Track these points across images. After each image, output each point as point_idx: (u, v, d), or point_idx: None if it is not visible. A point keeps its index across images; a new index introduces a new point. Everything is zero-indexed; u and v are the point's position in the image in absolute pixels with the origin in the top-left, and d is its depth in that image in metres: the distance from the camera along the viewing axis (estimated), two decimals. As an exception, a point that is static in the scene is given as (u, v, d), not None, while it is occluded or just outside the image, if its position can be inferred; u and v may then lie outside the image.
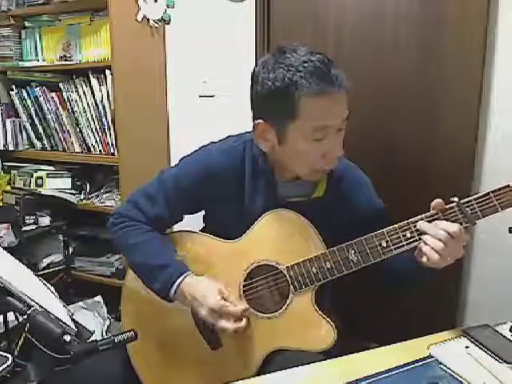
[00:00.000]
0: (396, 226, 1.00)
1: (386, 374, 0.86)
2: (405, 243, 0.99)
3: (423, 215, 0.98)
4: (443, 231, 0.93)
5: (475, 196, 0.95)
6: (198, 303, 1.04)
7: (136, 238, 1.13)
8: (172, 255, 1.12)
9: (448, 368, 0.87)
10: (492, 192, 0.94)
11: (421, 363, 0.90)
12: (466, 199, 0.96)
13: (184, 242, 1.17)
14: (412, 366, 0.89)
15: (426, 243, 0.95)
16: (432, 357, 0.91)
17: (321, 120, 0.97)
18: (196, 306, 1.04)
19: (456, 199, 0.96)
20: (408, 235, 0.98)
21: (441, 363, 0.89)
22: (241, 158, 1.12)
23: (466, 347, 0.92)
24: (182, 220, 1.21)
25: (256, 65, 1.03)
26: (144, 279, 1.12)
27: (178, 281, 1.06)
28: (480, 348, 0.91)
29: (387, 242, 1.00)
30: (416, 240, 0.98)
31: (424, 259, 0.96)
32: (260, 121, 1.03)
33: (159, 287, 1.08)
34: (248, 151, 1.12)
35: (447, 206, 0.97)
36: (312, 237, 1.07)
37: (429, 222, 0.97)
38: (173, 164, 1.21)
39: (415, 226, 0.97)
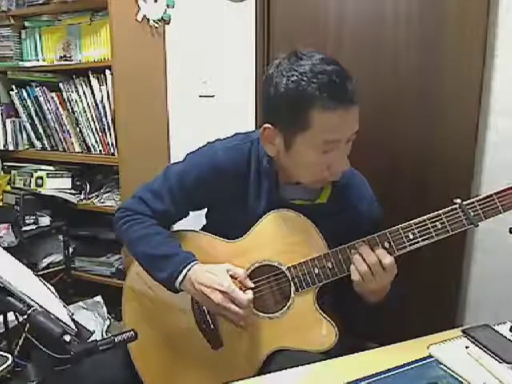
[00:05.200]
0: (398, 227, 1.00)
1: (386, 374, 0.86)
2: (407, 244, 0.99)
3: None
4: (375, 257, 0.98)
5: (478, 198, 0.95)
6: (210, 289, 1.02)
7: (142, 230, 1.13)
8: (178, 246, 1.12)
9: (448, 368, 0.87)
10: (495, 194, 0.94)
11: (421, 363, 0.89)
12: (469, 201, 0.96)
13: (185, 242, 1.16)
14: (412, 365, 0.89)
15: (353, 263, 1.00)
16: (432, 357, 0.91)
17: (332, 134, 0.96)
18: (208, 293, 1.02)
19: (459, 201, 0.96)
20: (411, 236, 0.98)
21: (441, 363, 0.89)
22: (247, 156, 1.12)
23: (466, 347, 0.92)
24: (187, 216, 1.21)
25: (270, 66, 1.02)
26: (150, 270, 1.11)
27: (186, 269, 1.05)
28: (480, 348, 0.91)
29: (390, 243, 1.00)
30: (418, 242, 0.98)
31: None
32: (268, 125, 1.02)
33: (166, 276, 1.07)
34: (254, 150, 1.12)
35: (450, 208, 0.97)
36: (314, 237, 1.07)
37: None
38: (173, 163, 1.21)
39: (418, 228, 0.98)
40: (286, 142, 1.01)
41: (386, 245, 1.00)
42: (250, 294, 1.03)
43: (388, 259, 0.97)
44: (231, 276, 1.04)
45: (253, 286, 1.06)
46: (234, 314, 1.02)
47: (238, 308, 1.01)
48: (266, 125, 1.02)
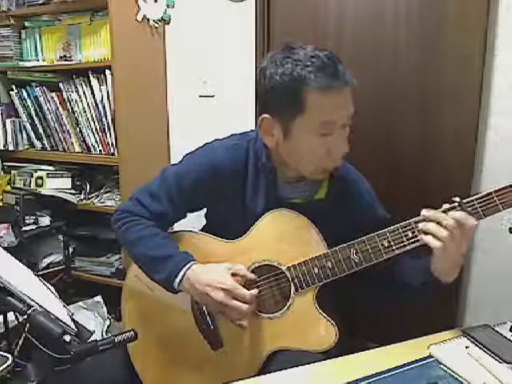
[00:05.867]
0: (398, 225, 1.00)
1: (386, 374, 0.86)
2: (407, 243, 0.99)
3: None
4: (449, 218, 0.91)
5: (477, 196, 0.95)
6: (211, 288, 1.02)
7: (140, 231, 1.12)
8: (176, 246, 1.12)
9: (448, 368, 0.87)
10: (494, 192, 0.94)
11: (421, 363, 0.90)
12: (468, 199, 0.96)
13: (184, 242, 1.16)
14: (412, 365, 0.89)
15: (428, 232, 0.94)
16: (432, 357, 0.91)
17: (328, 115, 0.98)
18: (209, 291, 1.02)
19: (458, 199, 0.96)
20: (410, 235, 0.98)
21: (441, 363, 0.89)
22: (244, 156, 1.12)
23: (466, 347, 0.92)
24: (184, 217, 1.21)
25: (264, 60, 1.04)
26: (148, 271, 1.11)
27: (185, 269, 1.05)
28: (480, 348, 0.91)
29: (389, 241, 1.00)
30: (418, 240, 0.98)
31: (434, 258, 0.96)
32: (266, 115, 1.03)
33: (164, 277, 1.07)
34: (251, 150, 1.13)
35: (449, 206, 0.97)
36: (314, 237, 1.07)
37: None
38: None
39: (417, 226, 0.97)
40: (284, 129, 1.02)
41: (386, 243, 1.00)
42: (254, 290, 1.03)
43: (471, 220, 0.92)
44: (232, 274, 1.04)
45: (255, 277, 1.06)
46: (236, 310, 1.01)
47: (241, 303, 1.01)
48: (264, 115, 1.03)
